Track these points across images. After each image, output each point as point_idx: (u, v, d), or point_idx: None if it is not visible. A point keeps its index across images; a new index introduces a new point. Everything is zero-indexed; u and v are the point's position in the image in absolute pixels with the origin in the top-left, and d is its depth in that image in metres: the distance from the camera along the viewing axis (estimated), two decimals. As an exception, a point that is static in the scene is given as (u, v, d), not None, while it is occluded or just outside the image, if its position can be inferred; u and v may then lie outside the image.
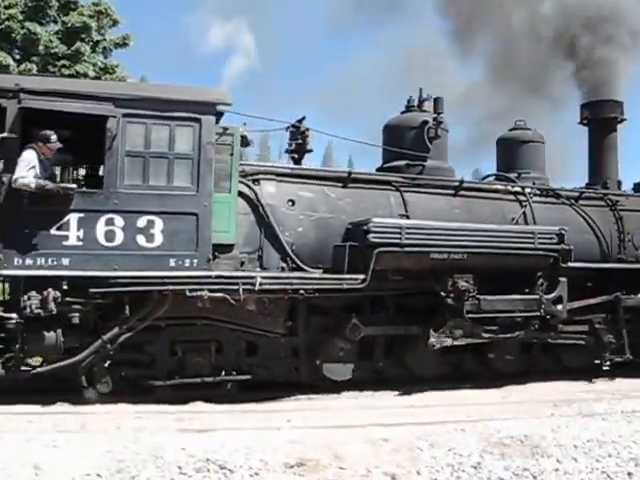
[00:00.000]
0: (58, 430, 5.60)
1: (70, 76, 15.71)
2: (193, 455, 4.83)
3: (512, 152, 9.83)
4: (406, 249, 7.72)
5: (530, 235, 8.27)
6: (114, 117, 6.86)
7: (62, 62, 16.98)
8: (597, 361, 9.34)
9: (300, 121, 8.76)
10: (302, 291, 7.53)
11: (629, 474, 4.92)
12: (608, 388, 8.43)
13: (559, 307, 8.40)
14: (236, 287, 7.22)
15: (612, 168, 10.26)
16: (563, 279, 8.41)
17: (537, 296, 8.27)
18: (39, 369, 6.91)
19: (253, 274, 7.35)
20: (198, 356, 7.52)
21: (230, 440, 5.26)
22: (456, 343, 8.13)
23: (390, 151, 9.20)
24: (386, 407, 7.15)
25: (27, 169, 6.60)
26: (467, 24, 12.44)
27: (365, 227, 7.65)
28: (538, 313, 8.23)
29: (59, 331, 6.81)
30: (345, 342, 7.95)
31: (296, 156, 8.88)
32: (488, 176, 10.00)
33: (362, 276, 7.64)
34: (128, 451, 4.91)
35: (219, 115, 7.54)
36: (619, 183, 10.17)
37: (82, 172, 8.18)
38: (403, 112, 9.52)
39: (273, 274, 7.52)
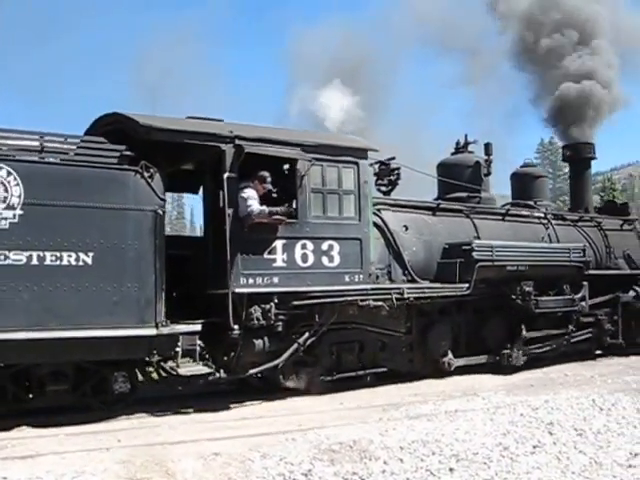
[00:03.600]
0: None
1: None
2: (17, 484, 4.59)
3: (526, 185, 12.61)
4: (495, 263, 10.05)
5: (567, 251, 11.00)
6: (309, 161, 8.42)
7: None
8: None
9: (390, 159, 10.71)
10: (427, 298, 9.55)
11: (451, 469, 5.16)
12: (434, 390, 8.94)
13: (583, 304, 11.20)
14: (389, 296, 9.08)
15: (589, 196, 13.49)
16: (585, 283, 11.23)
17: (571, 296, 11.01)
18: (252, 370, 8.23)
19: (401, 286, 9.26)
20: (349, 354, 9.23)
21: (57, 465, 5.15)
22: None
23: (447, 184, 11.48)
24: (219, 421, 7.17)
25: (256, 202, 7.99)
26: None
27: (469, 247, 9.86)
28: (574, 309, 10.98)
29: (265, 338, 8.22)
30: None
31: (383, 189, 10.81)
32: (508, 204, 12.58)
33: (466, 285, 9.83)
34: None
35: None
36: (595, 208, 13.36)
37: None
38: (454, 153, 11.86)
39: (413, 285, 9.47)
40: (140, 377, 7.94)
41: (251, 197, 8.02)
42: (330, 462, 5.26)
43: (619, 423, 6.64)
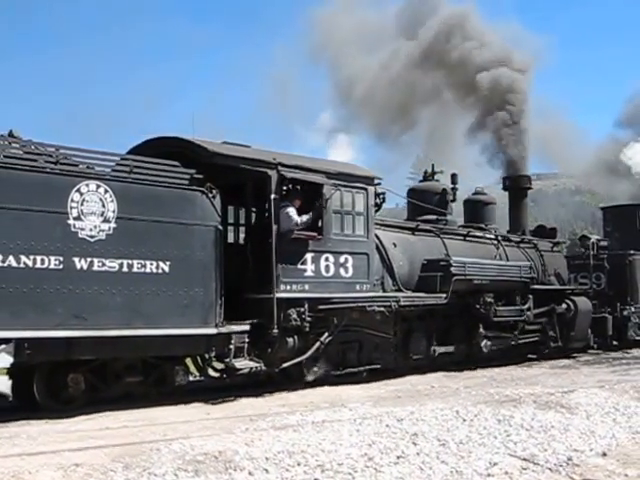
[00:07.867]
0: None
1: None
2: None
3: (478, 210, 14.75)
4: (467, 277, 11.98)
5: (518, 268, 13.17)
6: (334, 187, 9.93)
7: None
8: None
9: (377, 184, 12.37)
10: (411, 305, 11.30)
11: None
12: (302, 401, 8.96)
13: (529, 313, 13.40)
14: (389, 303, 10.74)
15: (526, 221, 15.91)
16: (530, 295, 13.43)
17: (520, 306, 13.18)
18: (284, 364, 9.58)
19: (397, 294, 10.95)
20: (351, 352, 10.77)
21: None
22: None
23: (417, 207, 13.33)
24: (81, 431, 6.96)
25: (298, 216, 9.47)
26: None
27: (447, 263, 11.72)
28: (522, 318, 13.14)
29: (296, 337, 9.62)
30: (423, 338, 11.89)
31: (370, 210, 12.45)
32: (462, 226, 14.58)
33: (444, 295, 11.67)
34: None
35: None
36: (530, 232, 15.75)
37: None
38: (421, 180, 13.77)
39: (406, 294, 11.17)
40: (193, 370, 9.09)
41: (294, 213, 9.50)
42: (195, 473, 5.23)
43: (480, 434, 6.72)
